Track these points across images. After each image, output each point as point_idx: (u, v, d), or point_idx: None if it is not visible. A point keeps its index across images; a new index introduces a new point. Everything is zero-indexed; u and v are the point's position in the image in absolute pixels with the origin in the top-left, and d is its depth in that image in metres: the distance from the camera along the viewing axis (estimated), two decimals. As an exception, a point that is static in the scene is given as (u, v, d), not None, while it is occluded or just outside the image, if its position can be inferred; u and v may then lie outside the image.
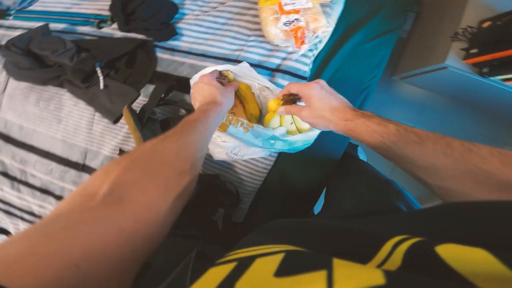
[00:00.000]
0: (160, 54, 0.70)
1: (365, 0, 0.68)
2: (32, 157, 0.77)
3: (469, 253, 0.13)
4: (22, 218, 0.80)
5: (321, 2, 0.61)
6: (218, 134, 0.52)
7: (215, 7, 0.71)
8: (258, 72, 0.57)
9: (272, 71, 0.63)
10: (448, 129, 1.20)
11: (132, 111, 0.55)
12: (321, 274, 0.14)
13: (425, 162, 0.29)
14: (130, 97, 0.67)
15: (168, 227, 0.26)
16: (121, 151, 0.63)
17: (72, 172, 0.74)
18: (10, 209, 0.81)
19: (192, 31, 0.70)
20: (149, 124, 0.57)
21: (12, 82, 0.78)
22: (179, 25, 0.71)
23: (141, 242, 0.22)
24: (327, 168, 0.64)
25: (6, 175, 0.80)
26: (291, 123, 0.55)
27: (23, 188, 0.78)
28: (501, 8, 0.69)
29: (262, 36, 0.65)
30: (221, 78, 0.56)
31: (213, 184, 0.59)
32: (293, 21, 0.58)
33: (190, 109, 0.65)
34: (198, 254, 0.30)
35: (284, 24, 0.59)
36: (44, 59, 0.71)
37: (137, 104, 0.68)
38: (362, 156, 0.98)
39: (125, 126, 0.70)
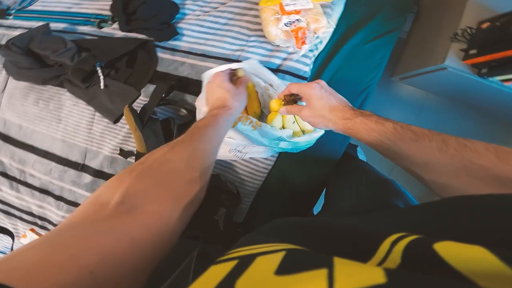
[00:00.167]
0: (160, 54, 0.70)
1: (365, 1, 0.68)
2: (31, 157, 0.76)
3: (468, 251, 0.13)
4: (21, 218, 0.80)
5: (322, 3, 0.62)
6: None
7: (216, 7, 0.71)
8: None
9: (273, 71, 0.63)
10: (446, 129, 1.18)
11: (133, 111, 0.55)
12: (322, 273, 0.14)
13: (421, 158, 0.30)
14: (131, 97, 0.67)
15: (178, 235, 0.27)
16: (121, 151, 0.63)
17: (72, 172, 0.74)
18: (9, 209, 0.81)
19: (193, 31, 0.70)
20: (150, 124, 0.57)
21: (12, 82, 0.78)
22: (180, 25, 0.71)
23: (152, 250, 0.22)
24: (327, 168, 0.64)
25: (5, 175, 0.79)
26: (293, 122, 0.56)
27: (22, 188, 0.78)
28: (500, 9, 0.70)
29: (263, 36, 0.65)
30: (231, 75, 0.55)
31: (214, 184, 0.59)
32: (294, 22, 0.58)
33: (190, 109, 0.65)
34: (199, 254, 0.30)
35: (285, 24, 0.59)
36: (44, 59, 0.71)
37: (138, 104, 0.68)
38: (361, 156, 0.98)
39: (125, 126, 0.70)
